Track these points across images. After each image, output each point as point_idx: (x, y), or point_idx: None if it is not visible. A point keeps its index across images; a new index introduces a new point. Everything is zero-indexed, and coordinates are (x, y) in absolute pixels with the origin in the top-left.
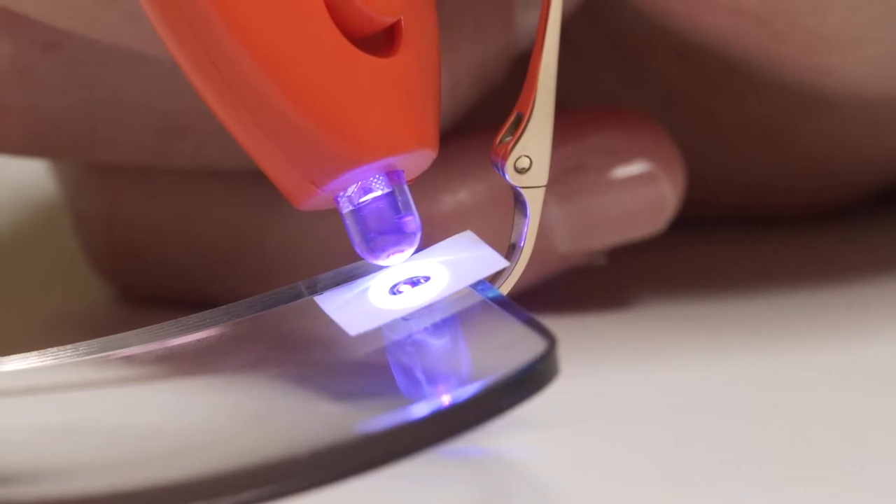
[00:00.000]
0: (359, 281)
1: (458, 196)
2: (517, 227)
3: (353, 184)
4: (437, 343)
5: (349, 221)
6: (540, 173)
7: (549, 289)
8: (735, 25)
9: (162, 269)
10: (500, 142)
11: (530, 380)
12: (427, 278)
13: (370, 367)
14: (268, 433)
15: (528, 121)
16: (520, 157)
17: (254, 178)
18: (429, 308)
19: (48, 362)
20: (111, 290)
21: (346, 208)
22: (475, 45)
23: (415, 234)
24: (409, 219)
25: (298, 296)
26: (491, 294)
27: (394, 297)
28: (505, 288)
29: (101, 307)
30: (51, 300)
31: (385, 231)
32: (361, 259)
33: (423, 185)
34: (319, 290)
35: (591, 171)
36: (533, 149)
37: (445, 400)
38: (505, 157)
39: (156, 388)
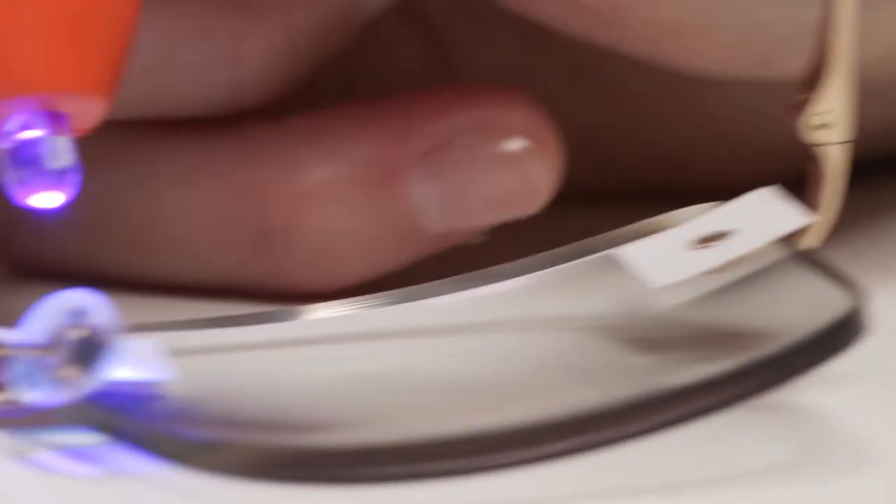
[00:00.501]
0: (659, 235)
1: (321, 171)
2: (815, 186)
3: (8, 118)
4: (738, 299)
5: (2, 156)
6: (842, 129)
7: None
8: (570, 15)
9: (38, 244)
10: (795, 99)
11: (836, 336)
12: (730, 232)
13: (670, 322)
14: (579, 384)
15: (827, 75)
16: (819, 114)
17: (115, 151)
18: (734, 263)
19: (354, 310)
20: None
21: (1, 144)
22: (312, 6)
23: (63, 178)
24: (60, 163)
25: (601, 248)
26: (797, 249)
27: (696, 251)
28: (812, 240)
29: None
30: None
31: (31, 174)
32: None
33: (286, 156)
34: (618, 244)
35: (460, 148)
36: (834, 104)
37: (749, 356)
38: (801, 114)
39: (463, 338)
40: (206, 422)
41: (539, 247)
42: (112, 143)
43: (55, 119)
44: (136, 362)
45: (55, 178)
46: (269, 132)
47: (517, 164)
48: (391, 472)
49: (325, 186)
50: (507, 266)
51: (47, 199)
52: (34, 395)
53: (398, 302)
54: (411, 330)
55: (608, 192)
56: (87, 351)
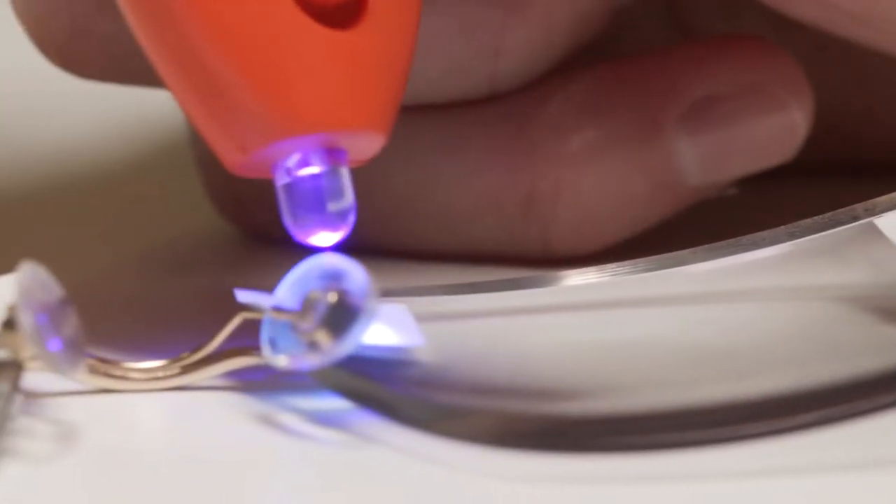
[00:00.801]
0: None
1: (586, 132)
2: None
3: (289, 155)
4: None
5: (281, 194)
6: None
7: (681, 222)
8: (828, 16)
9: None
10: None
11: None
12: None
13: None
14: (829, 356)
15: None
16: None
17: None
18: None
19: (607, 277)
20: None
21: (281, 180)
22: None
23: (341, 219)
24: (338, 201)
25: (857, 218)
26: None
27: None
28: None
29: (224, 243)
30: (170, 230)
31: (310, 210)
32: None
33: (550, 120)
34: (878, 213)
35: (721, 101)
36: None
37: None
38: None
39: (714, 307)
40: (455, 388)
41: (786, 218)
42: None
43: (333, 154)
44: (386, 328)
45: (334, 217)
46: (529, 98)
47: (777, 112)
48: (638, 441)
49: (590, 148)
50: (759, 235)
51: (326, 238)
52: (285, 360)
53: (650, 269)
54: (663, 298)
55: (844, 169)
56: (339, 316)
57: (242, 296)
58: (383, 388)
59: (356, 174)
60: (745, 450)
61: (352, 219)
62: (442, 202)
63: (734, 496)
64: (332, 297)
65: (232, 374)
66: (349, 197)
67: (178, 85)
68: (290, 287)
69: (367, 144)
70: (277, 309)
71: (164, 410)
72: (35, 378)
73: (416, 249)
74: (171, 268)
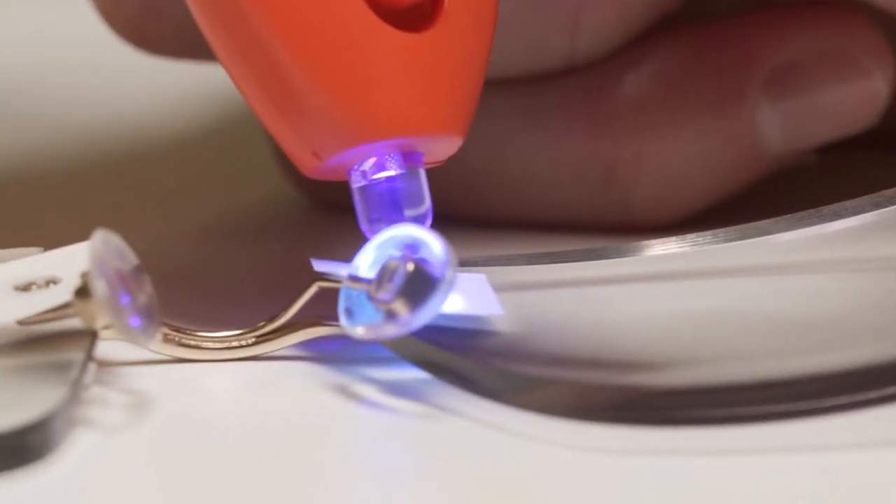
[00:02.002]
0: None
1: (668, 100)
2: None
3: (365, 159)
4: None
5: (356, 197)
6: None
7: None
8: None
9: None
10: None
11: None
12: None
13: None
14: None
15: None
16: None
17: None
18: None
19: (688, 247)
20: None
21: (357, 183)
22: None
23: (418, 222)
24: (415, 205)
25: None
26: None
27: None
28: None
29: (293, 212)
30: (240, 198)
31: (386, 215)
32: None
33: (631, 89)
34: None
35: (803, 68)
36: None
37: None
38: None
39: (797, 277)
40: (533, 359)
41: (867, 188)
42: None
43: (409, 157)
44: (464, 298)
45: (402, 217)
46: (609, 68)
47: (859, 79)
48: (718, 413)
49: (671, 116)
50: (842, 205)
51: None
52: (362, 329)
53: (732, 239)
54: (744, 268)
55: None
56: (417, 286)
57: (318, 265)
58: (460, 359)
59: None
60: (826, 422)
61: (428, 222)
62: (522, 172)
63: (816, 469)
64: (410, 267)
65: (307, 343)
66: (426, 201)
67: (251, 92)
68: (367, 256)
69: (443, 147)
70: (354, 278)
71: (238, 380)
72: (108, 347)
73: (495, 219)
74: (242, 236)
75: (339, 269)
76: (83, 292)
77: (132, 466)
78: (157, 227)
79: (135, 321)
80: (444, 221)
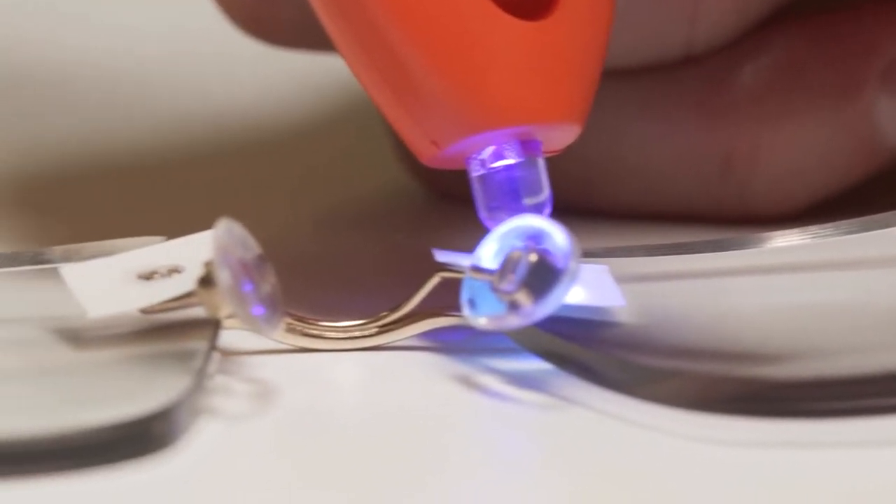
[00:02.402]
0: None
1: (786, 91)
2: None
3: (483, 148)
4: None
5: (475, 185)
6: None
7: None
8: None
9: None
10: None
11: None
12: None
13: None
14: None
15: None
16: None
17: None
18: None
19: (810, 239)
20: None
21: (475, 171)
22: None
23: (537, 211)
24: (533, 194)
25: None
26: None
27: None
28: None
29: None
30: (360, 188)
31: (505, 203)
32: None
33: (749, 79)
34: None
35: None
36: None
37: None
38: None
39: None
40: (656, 350)
41: None
42: None
43: (528, 146)
44: (587, 289)
45: (529, 209)
46: (726, 59)
47: None
48: (841, 406)
49: (788, 107)
50: None
51: None
52: (484, 320)
53: (855, 231)
54: (867, 260)
55: None
56: (540, 277)
57: (440, 255)
58: (583, 350)
59: None
60: None
61: (548, 211)
62: (638, 163)
63: None
64: (534, 257)
65: (428, 333)
66: (546, 189)
67: (370, 81)
68: (490, 247)
69: (562, 135)
70: (477, 269)
71: (360, 370)
72: (231, 336)
73: (612, 210)
74: (365, 226)
75: (461, 260)
76: (207, 281)
77: (255, 456)
78: (279, 217)
79: (258, 310)
80: (560, 213)
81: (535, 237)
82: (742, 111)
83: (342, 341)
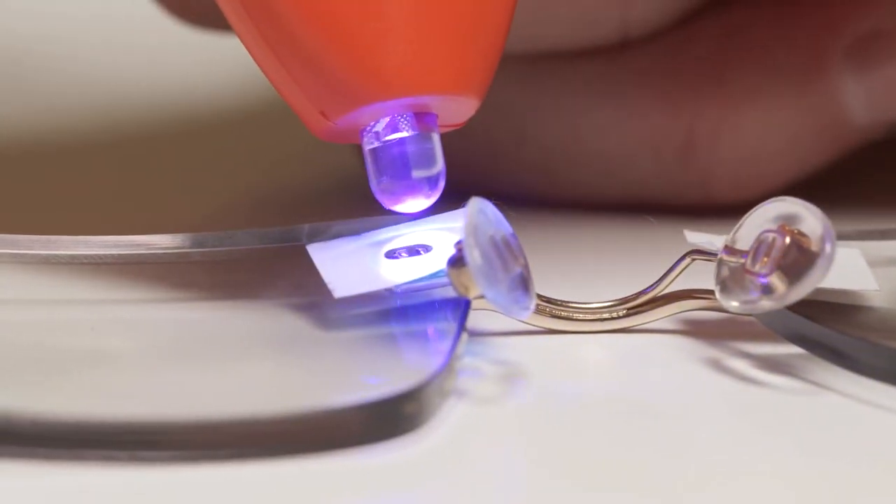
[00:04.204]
0: None
1: (748, 72)
2: None
3: (376, 120)
4: None
5: (368, 159)
6: None
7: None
8: None
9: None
10: None
11: None
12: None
13: None
14: None
15: None
16: None
17: (531, 65)
18: None
19: None
20: None
21: (368, 145)
22: None
23: (430, 185)
24: (426, 168)
25: None
26: None
27: None
28: None
29: None
30: None
31: (398, 177)
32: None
33: (708, 63)
34: None
35: (887, 36)
36: None
37: None
38: None
39: None
40: None
41: None
42: (520, 69)
43: (423, 119)
44: (840, 272)
45: (422, 183)
46: (683, 38)
47: None
48: None
49: (750, 86)
50: None
51: (413, 205)
52: (737, 303)
53: None
54: None
55: None
56: (794, 260)
57: (692, 237)
58: (836, 334)
59: (511, 123)
60: None
61: (441, 185)
62: (597, 148)
63: None
64: (788, 240)
65: (678, 316)
66: (439, 163)
67: (260, 54)
68: (743, 229)
69: (460, 108)
70: (730, 251)
71: (608, 352)
72: (477, 316)
73: (572, 197)
74: (616, 208)
75: (713, 242)
76: (457, 261)
77: (504, 437)
78: None
79: (509, 291)
80: (519, 202)
81: (789, 219)
82: (702, 93)
83: (590, 323)
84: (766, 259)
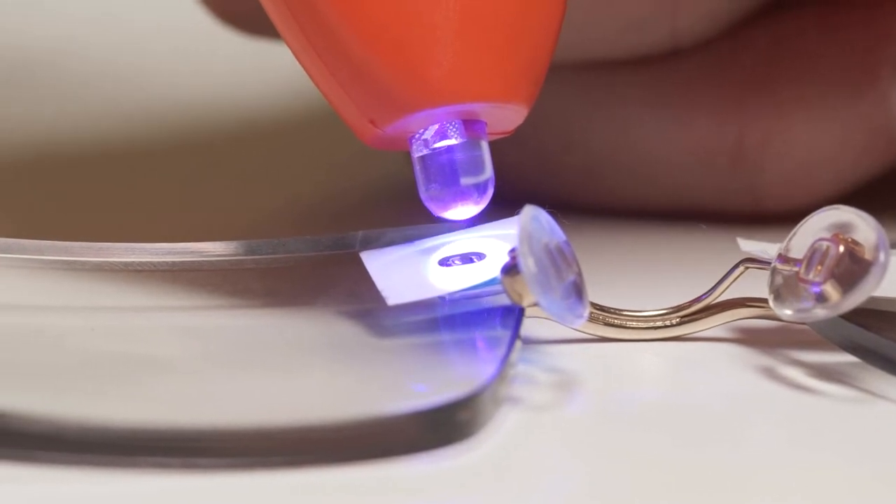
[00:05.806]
0: None
1: (797, 82)
2: None
3: (425, 127)
4: None
5: (416, 166)
6: None
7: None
8: None
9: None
10: None
11: None
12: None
13: None
14: None
15: None
16: None
17: (581, 73)
18: None
19: None
20: None
21: (417, 152)
22: None
23: (479, 192)
24: (474, 175)
25: None
26: None
27: None
28: None
29: None
30: None
31: (447, 184)
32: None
33: (759, 71)
34: None
35: None
36: None
37: None
38: None
39: None
40: None
41: None
42: (570, 78)
43: (472, 126)
44: (894, 280)
45: (470, 190)
46: (734, 46)
47: None
48: None
49: (801, 95)
50: None
51: (462, 212)
52: (791, 312)
53: None
54: None
55: None
56: (848, 268)
57: (746, 245)
58: (890, 343)
59: (559, 130)
60: None
61: (490, 192)
62: (645, 155)
63: None
64: (842, 249)
65: (731, 325)
66: (487, 170)
67: (308, 61)
68: (797, 237)
69: (508, 116)
70: (784, 259)
71: (662, 360)
72: (530, 324)
73: (616, 203)
74: (669, 215)
75: (767, 250)
76: (511, 269)
77: (558, 446)
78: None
79: (563, 299)
80: (566, 208)
81: (843, 227)
82: (753, 101)
83: (644, 331)
84: (819, 267)
